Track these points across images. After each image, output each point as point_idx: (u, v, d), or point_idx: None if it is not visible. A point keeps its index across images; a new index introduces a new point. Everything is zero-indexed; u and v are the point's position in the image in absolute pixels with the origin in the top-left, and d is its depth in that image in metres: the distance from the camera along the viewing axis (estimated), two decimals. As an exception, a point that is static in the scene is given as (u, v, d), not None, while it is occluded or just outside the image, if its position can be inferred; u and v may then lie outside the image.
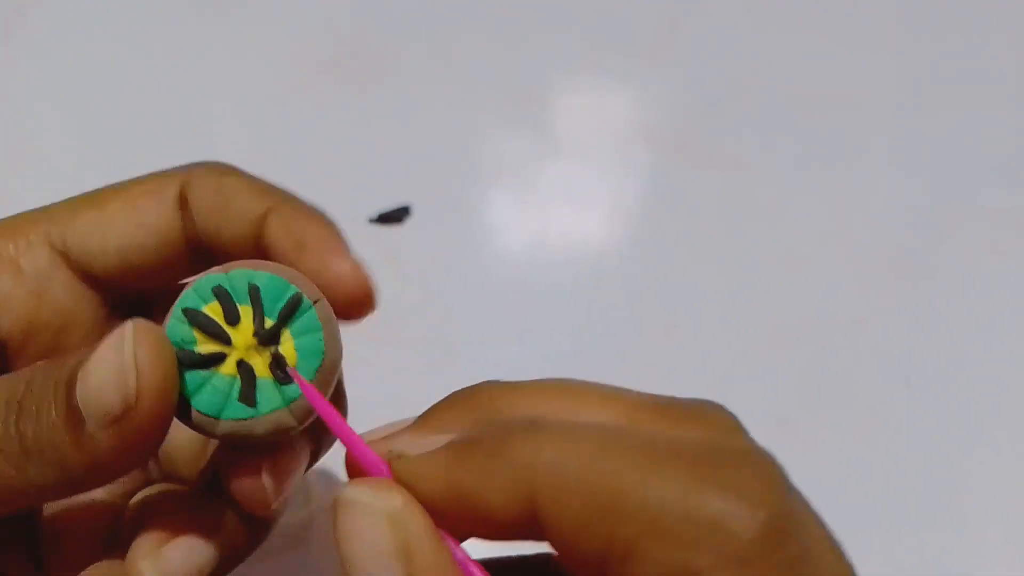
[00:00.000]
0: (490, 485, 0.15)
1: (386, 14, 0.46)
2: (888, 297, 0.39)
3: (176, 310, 0.18)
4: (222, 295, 0.18)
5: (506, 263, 0.40)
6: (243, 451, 0.19)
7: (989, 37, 0.47)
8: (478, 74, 0.45)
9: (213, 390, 0.17)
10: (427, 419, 0.18)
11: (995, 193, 0.42)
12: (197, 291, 0.18)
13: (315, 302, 0.18)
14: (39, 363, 0.18)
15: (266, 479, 0.19)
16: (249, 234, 0.21)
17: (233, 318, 0.18)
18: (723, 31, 0.47)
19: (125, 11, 0.46)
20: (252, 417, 0.17)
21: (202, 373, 0.17)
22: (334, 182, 0.41)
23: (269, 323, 0.18)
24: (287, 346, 0.18)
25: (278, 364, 0.18)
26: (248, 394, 0.17)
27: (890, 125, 0.44)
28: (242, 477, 0.19)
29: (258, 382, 0.18)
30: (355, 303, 0.20)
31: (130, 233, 0.21)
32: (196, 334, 0.17)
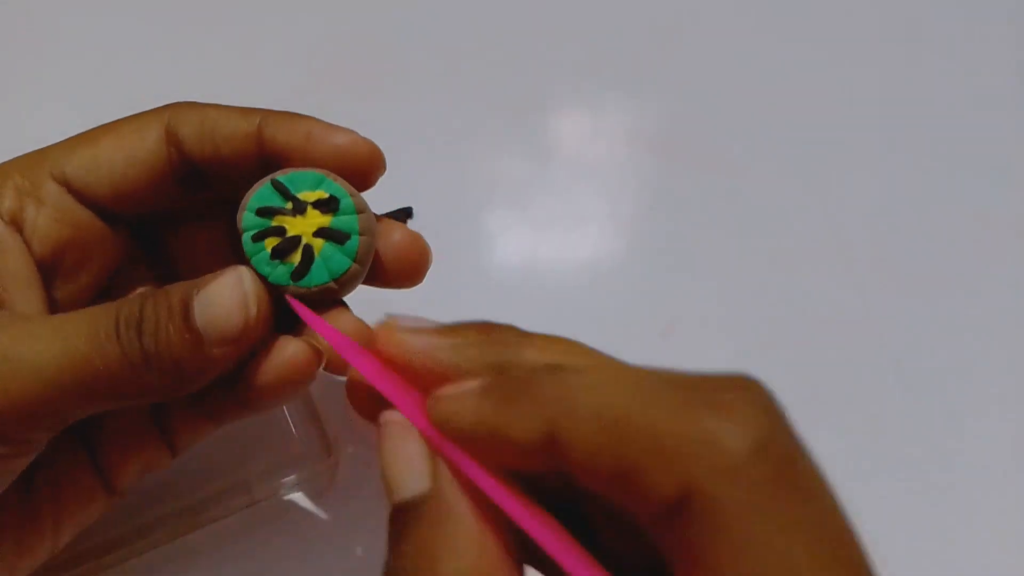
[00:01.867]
0: (515, 419, 0.16)
1: (387, 22, 0.46)
2: (886, 298, 0.39)
3: (250, 204, 0.23)
4: (283, 190, 0.23)
5: (505, 268, 0.40)
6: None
7: (985, 38, 0.48)
8: (478, 83, 0.45)
9: (285, 268, 0.23)
10: (454, 329, 0.20)
11: (993, 193, 0.43)
12: (259, 194, 0.23)
13: (360, 212, 0.24)
14: (142, 290, 0.22)
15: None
16: (247, 148, 0.24)
17: (299, 208, 0.23)
18: (717, 40, 0.47)
19: (128, 17, 0.46)
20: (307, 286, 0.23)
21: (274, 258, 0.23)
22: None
23: (328, 216, 0.23)
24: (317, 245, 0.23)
25: (331, 235, 0.23)
26: (302, 271, 0.23)
27: (885, 128, 0.45)
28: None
29: (314, 263, 0.23)
30: (370, 165, 0.25)
31: (121, 167, 0.24)
32: (264, 221, 0.23)
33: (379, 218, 0.26)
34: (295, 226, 0.23)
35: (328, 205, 0.23)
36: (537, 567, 0.20)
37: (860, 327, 0.39)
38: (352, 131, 0.25)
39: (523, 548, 0.17)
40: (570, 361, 0.18)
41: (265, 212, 0.23)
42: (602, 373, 0.16)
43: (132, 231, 0.26)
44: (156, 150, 0.24)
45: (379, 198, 0.40)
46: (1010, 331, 0.39)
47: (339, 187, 0.24)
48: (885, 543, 0.33)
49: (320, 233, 0.23)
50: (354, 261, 0.23)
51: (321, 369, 0.24)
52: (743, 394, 0.15)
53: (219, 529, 0.31)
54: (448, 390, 0.18)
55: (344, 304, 0.25)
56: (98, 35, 0.45)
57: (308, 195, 0.23)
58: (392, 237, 0.25)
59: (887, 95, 0.46)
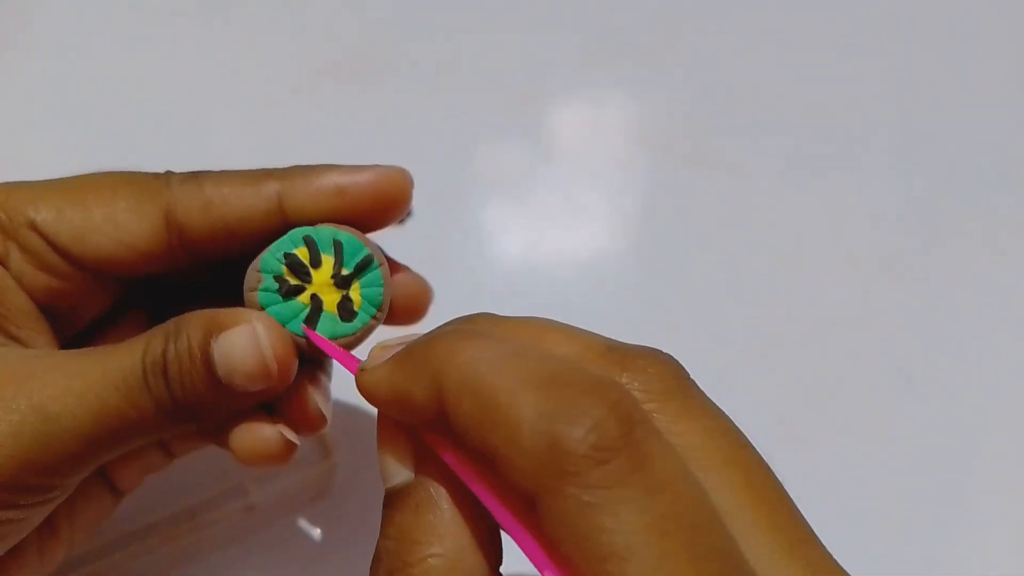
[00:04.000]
0: (415, 383, 0.17)
1: (386, 18, 0.46)
2: (887, 297, 0.39)
3: (275, 250, 0.23)
4: (311, 243, 0.23)
5: (505, 266, 0.40)
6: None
7: (986, 39, 0.47)
8: (477, 77, 0.45)
9: (288, 309, 0.23)
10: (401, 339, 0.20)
11: (992, 194, 0.42)
12: (291, 238, 0.23)
13: (380, 264, 0.24)
14: (160, 329, 0.22)
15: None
16: (268, 222, 0.24)
17: (316, 262, 0.23)
18: (720, 36, 0.47)
19: (127, 14, 0.46)
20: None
21: (284, 300, 0.23)
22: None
23: (345, 272, 0.23)
24: (355, 293, 0.23)
25: (345, 306, 0.23)
26: (312, 320, 0.23)
27: (887, 126, 0.44)
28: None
29: (322, 315, 0.23)
30: (403, 190, 0.24)
31: (110, 248, 0.23)
32: (284, 269, 0.23)
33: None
34: (319, 286, 0.23)
35: (338, 254, 0.23)
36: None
37: (863, 328, 0.38)
38: (373, 166, 0.24)
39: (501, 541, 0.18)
40: (524, 340, 0.18)
41: (289, 294, 0.23)
42: (490, 350, 0.17)
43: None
44: (152, 238, 0.23)
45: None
46: (1014, 333, 0.39)
47: (329, 228, 0.23)
48: (887, 544, 0.33)
49: (350, 279, 0.23)
50: (372, 318, 0.24)
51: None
52: (595, 396, 0.15)
53: (217, 533, 0.31)
54: (368, 361, 0.19)
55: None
56: (95, 30, 0.45)
57: (302, 251, 0.23)
58: (403, 287, 0.26)
59: (893, 95, 0.45)
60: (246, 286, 0.23)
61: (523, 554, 0.16)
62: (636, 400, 0.16)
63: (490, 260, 0.40)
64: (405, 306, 0.26)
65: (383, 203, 0.24)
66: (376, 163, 0.24)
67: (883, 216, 0.42)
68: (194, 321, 0.22)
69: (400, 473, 0.18)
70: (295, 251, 0.23)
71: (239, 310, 0.22)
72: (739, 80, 0.45)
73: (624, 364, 0.18)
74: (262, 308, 0.23)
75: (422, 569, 0.16)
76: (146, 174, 0.24)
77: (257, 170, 0.24)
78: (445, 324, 0.20)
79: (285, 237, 0.23)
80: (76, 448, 0.21)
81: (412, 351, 0.18)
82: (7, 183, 0.24)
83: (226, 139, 0.42)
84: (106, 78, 0.44)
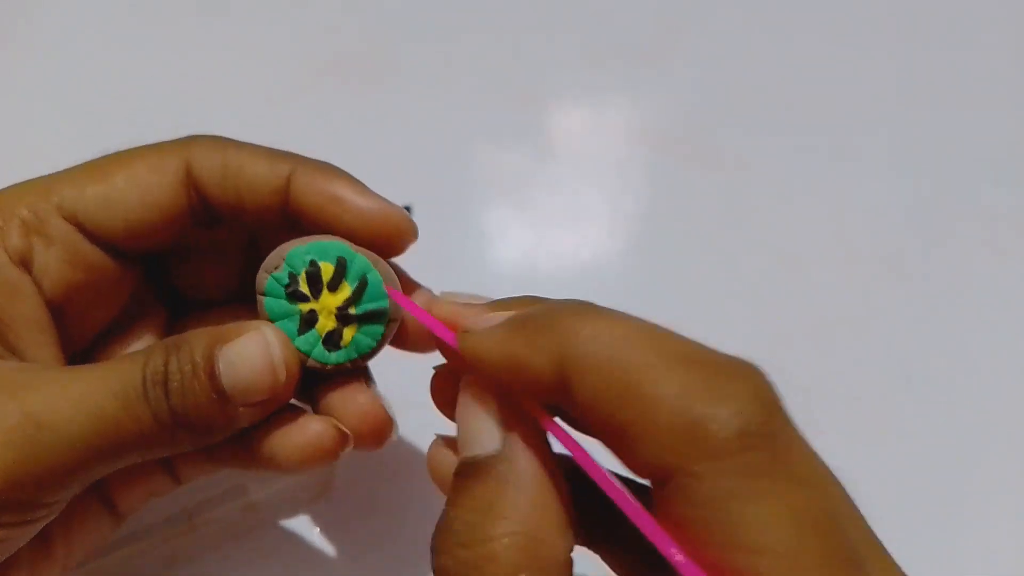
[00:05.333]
0: (535, 352, 0.17)
1: (386, 17, 0.46)
2: (888, 296, 0.39)
3: (308, 251, 0.23)
4: (341, 267, 0.23)
5: (505, 266, 0.40)
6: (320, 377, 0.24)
7: (987, 37, 0.47)
8: (478, 77, 0.45)
9: (282, 309, 0.23)
10: (500, 304, 0.20)
11: (993, 193, 0.42)
12: (327, 248, 0.23)
13: (391, 321, 0.23)
14: (162, 343, 0.21)
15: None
16: (272, 202, 0.23)
17: (335, 286, 0.23)
18: (720, 35, 0.47)
19: (126, 13, 0.46)
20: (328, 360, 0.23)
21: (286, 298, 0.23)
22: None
23: (353, 311, 0.23)
24: (349, 332, 0.23)
25: (332, 339, 0.23)
26: (300, 331, 0.23)
27: (888, 125, 0.44)
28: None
29: (309, 332, 0.23)
30: (400, 235, 0.24)
31: (136, 208, 0.23)
32: (304, 275, 0.23)
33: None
34: (322, 307, 0.23)
35: (358, 292, 0.23)
36: (588, 545, 0.20)
37: (863, 328, 0.38)
38: (383, 199, 0.24)
39: (579, 524, 0.18)
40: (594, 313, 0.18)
41: (293, 296, 0.23)
42: (619, 326, 0.17)
43: (142, 264, 0.26)
44: (173, 191, 0.23)
45: (378, 193, 0.40)
46: (1014, 333, 0.39)
47: (366, 262, 0.23)
48: (887, 543, 0.33)
49: (352, 319, 0.23)
50: (349, 361, 0.23)
51: (351, 449, 0.23)
52: (739, 381, 0.15)
53: (217, 533, 0.31)
54: (477, 322, 0.19)
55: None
56: (95, 29, 0.45)
57: (328, 267, 0.23)
58: (368, 213, 0.24)
59: (893, 94, 0.45)
60: (265, 265, 0.23)
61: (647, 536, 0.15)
62: (774, 386, 0.16)
63: (490, 260, 0.40)
64: (387, 234, 0.24)
65: (378, 234, 0.23)
66: (387, 199, 0.24)
67: (883, 216, 0.41)
68: (197, 334, 0.21)
69: (487, 442, 0.18)
70: (322, 264, 0.23)
71: (243, 323, 0.22)
72: (739, 80, 0.45)
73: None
74: (266, 293, 0.23)
75: (502, 545, 0.16)
76: (169, 140, 0.24)
77: (279, 150, 0.24)
78: (520, 298, 0.20)
79: (325, 243, 0.23)
80: (69, 459, 0.20)
81: (532, 318, 0.18)
82: (27, 181, 0.24)
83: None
84: (106, 77, 0.44)
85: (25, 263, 0.23)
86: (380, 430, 0.23)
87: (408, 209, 0.39)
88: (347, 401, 0.23)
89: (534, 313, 0.18)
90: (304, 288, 0.23)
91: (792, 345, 0.38)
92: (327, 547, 0.32)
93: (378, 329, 0.23)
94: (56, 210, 0.23)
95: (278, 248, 0.23)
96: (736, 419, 0.15)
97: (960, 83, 0.46)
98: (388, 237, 0.23)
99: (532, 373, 0.17)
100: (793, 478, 0.15)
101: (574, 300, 0.19)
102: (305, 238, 0.23)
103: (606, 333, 0.16)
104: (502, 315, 0.19)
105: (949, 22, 0.48)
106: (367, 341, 0.23)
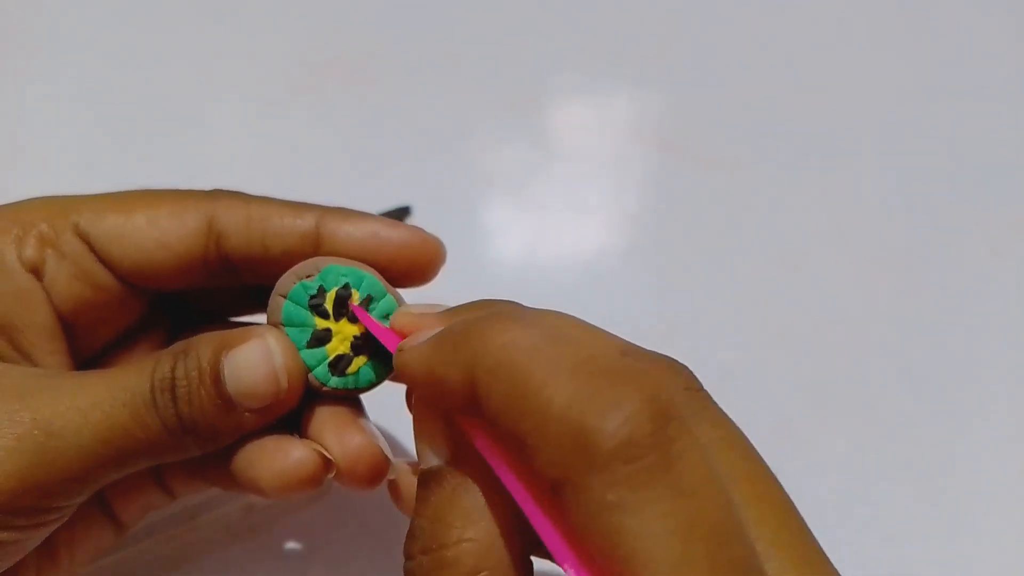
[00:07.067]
0: (449, 367, 0.17)
1: (386, 18, 0.46)
2: (887, 297, 0.39)
3: (345, 273, 0.23)
4: (368, 302, 0.23)
5: (505, 266, 0.40)
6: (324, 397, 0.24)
7: (987, 38, 0.47)
8: (477, 77, 0.45)
9: (300, 317, 0.23)
10: (452, 312, 0.21)
11: (993, 193, 0.42)
12: (363, 277, 0.23)
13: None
14: (170, 350, 0.22)
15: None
16: (303, 248, 0.24)
17: (356, 318, 0.23)
18: (720, 36, 0.47)
19: (126, 16, 0.46)
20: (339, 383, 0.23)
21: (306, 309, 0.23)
22: (333, 184, 0.41)
23: (360, 328, 0.23)
24: (358, 360, 0.23)
25: (339, 364, 0.23)
26: (309, 345, 0.23)
27: (888, 125, 0.44)
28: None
29: (319, 349, 0.23)
30: (435, 259, 0.24)
31: (151, 248, 0.24)
32: (333, 294, 0.23)
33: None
34: (339, 330, 0.23)
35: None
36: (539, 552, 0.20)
37: (863, 328, 0.38)
38: (415, 227, 0.24)
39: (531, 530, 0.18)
40: (529, 320, 0.18)
41: (315, 308, 0.23)
42: (530, 334, 0.17)
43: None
44: (192, 242, 0.24)
45: (378, 194, 0.40)
46: (1014, 332, 0.39)
47: (394, 304, 0.23)
48: (887, 543, 0.33)
49: (364, 351, 0.23)
50: (347, 388, 0.23)
51: (331, 478, 0.23)
52: (632, 389, 0.15)
53: (217, 533, 0.31)
54: (408, 340, 0.20)
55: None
56: (95, 31, 0.45)
57: (356, 296, 0.23)
58: (403, 242, 0.25)
59: (894, 94, 0.45)
60: (295, 270, 0.23)
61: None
62: (677, 390, 0.16)
63: (490, 260, 0.40)
64: (417, 262, 0.25)
65: (416, 262, 0.24)
66: (413, 226, 0.24)
67: (883, 216, 0.41)
68: (204, 340, 0.22)
69: (437, 453, 0.18)
70: (354, 291, 0.23)
71: (249, 328, 0.22)
72: (739, 80, 0.45)
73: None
74: (288, 297, 0.23)
75: (456, 552, 0.17)
76: (192, 190, 0.24)
77: (299, 202, 0.24)
78: (471, 304, 0.20)
79: (364, 272, 0.23)
80: (79, 466, 0.20)
81: (449, 334, 0.18)
82: (50, 196, 0.24)
83: (226, 139, 0.42)
84: (105, 82, 0.44)
85: (37, 273, 0.23)
86: (376, 471, 0.23)
87: (408, 209, 0.39)
88: (343, 441, 0.23)
89: (454, 326, 0.18)
90: (328, 306, 0.23)
91: (791, 345, 0.38)
92: (327, 547, 0.32)
93: (384, 370, 0.23)
94: (72, 227, 0.23)
95: (313, 259, 0.23)
96: (622, 429, 0.15)
97: (960, 83, 0.46)
98: (427, 263, 0.24)
99: (448, 387, 0.17)
100: (681, 488, 0.14)
101: (498, 307, 0.20)
102: (345, 259, 0.23)
103: (512, 344, 0.16)
104: (432, 330, 0.19)
105: (949, 22, 0.48)
106: (370, 376, 0.23)
